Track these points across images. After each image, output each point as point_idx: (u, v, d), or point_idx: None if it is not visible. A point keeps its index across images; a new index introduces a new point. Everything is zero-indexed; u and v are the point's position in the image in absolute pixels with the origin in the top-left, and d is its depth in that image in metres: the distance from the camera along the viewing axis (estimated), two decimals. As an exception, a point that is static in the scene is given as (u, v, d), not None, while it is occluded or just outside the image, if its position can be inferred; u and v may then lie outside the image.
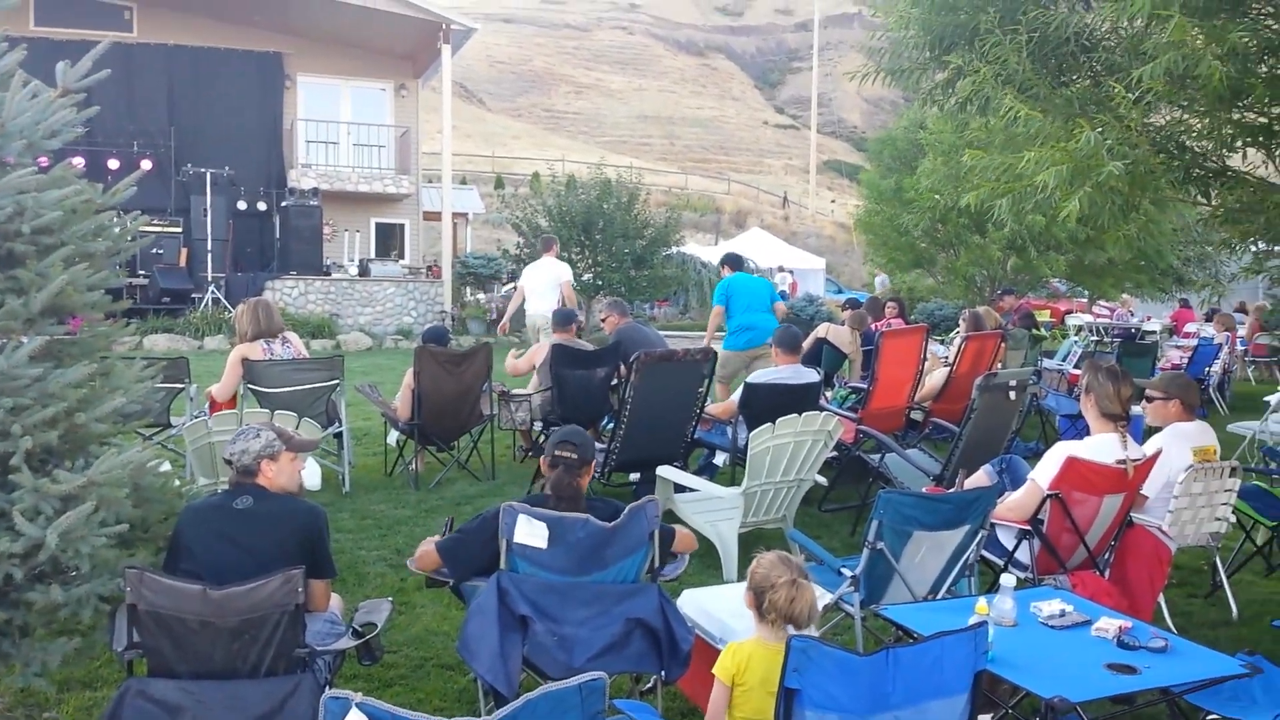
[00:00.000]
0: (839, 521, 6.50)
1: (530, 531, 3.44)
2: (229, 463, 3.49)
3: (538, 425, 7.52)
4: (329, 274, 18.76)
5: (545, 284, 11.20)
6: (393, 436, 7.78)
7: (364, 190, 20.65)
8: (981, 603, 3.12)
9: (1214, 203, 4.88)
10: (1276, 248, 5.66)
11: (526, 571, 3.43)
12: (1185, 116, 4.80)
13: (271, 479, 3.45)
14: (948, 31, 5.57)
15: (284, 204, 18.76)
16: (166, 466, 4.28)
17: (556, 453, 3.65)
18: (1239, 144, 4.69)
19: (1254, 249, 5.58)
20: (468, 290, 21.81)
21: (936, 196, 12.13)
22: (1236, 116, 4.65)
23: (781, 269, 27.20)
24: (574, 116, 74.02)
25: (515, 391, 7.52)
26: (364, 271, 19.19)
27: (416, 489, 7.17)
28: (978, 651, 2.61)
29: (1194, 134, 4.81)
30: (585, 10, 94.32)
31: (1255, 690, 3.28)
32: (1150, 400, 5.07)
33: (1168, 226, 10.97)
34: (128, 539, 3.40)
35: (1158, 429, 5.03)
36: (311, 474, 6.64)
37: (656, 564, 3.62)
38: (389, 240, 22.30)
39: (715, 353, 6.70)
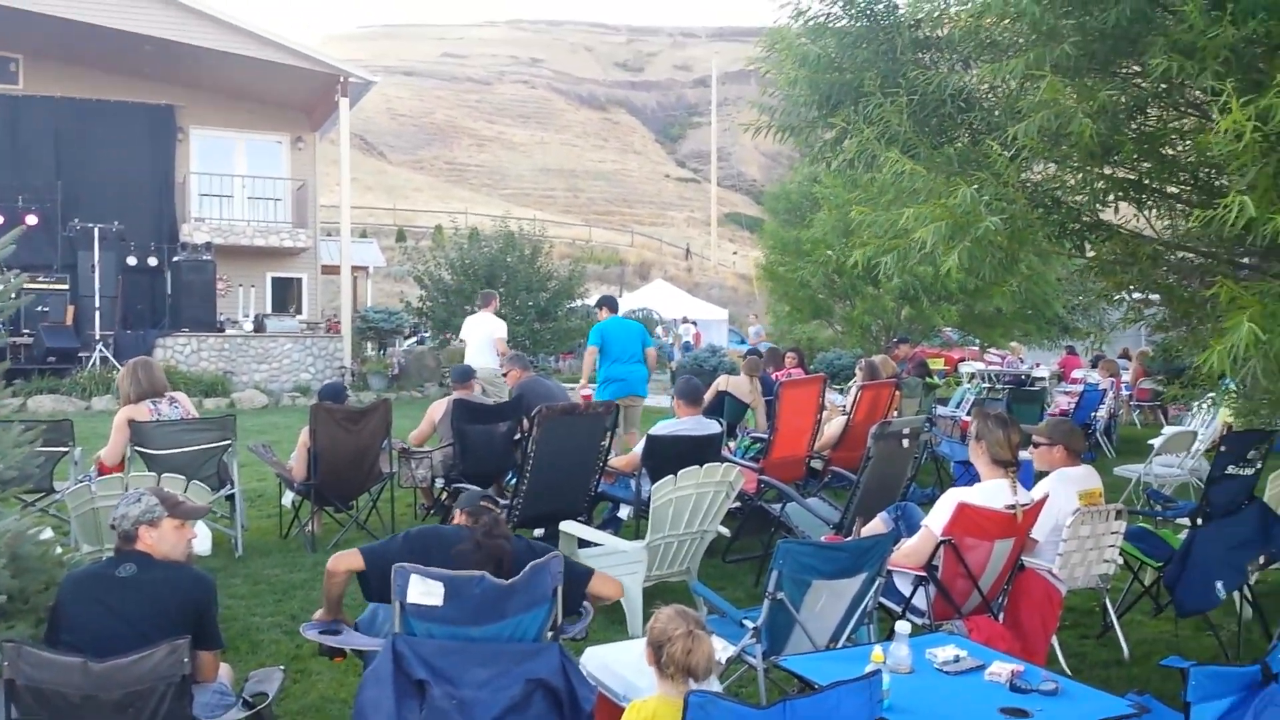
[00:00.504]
0: (743, 572, 6.53)
1: (425, 591, 3.37)
2: (114, 528, 3.36)
3: (439, 482, 7.41)
4: (223, 330, 18.28)
5: (481, 339, 11.27)
6: (288, 498, 7.59)
7: (259, 244, 20.28)
8: (877, 650, 3.16)
9: (1089, 255, 5.10)
10: (1152, 296, 5.92)
11: (423, 631, 3.36)
12: (1060, 172, 5.03)
13: (153, 546, 3.33)
14: (834, 90, 5.74)
15: (176, 259, 18.27)
16: (48, 534, 4.10)
17: (482, 502, 3.71)
18: (1111, 198, 4.93)
19: (1129, 298, 5.83)
20: (369, 345, 21.50)
21: (829, 252, 12.47)
22: (1108, 172, 4.89)
23: (685, 320, 27.49)
24: (477, 169, 74.06)
25: (416, 448, 7.41)
26: (259, 327, 18.75)
27: (313, 551, 6.98)
28: (873, 700, 2.64)
29: (1068, 189, 5.03)
30: (486, 64, 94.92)
31: (1145, 729, 3.38)
32: (1036, 446, 5.24)
33: (1053, 277, 11.38)
34: (5, 610, 3.25)
35: (1045, 473, 5.18)
36: (202, 539, 6.39)
37: (559, 621, 3.59)
38: (286, 295, 21.90)
39: (618, 406, 6.72)
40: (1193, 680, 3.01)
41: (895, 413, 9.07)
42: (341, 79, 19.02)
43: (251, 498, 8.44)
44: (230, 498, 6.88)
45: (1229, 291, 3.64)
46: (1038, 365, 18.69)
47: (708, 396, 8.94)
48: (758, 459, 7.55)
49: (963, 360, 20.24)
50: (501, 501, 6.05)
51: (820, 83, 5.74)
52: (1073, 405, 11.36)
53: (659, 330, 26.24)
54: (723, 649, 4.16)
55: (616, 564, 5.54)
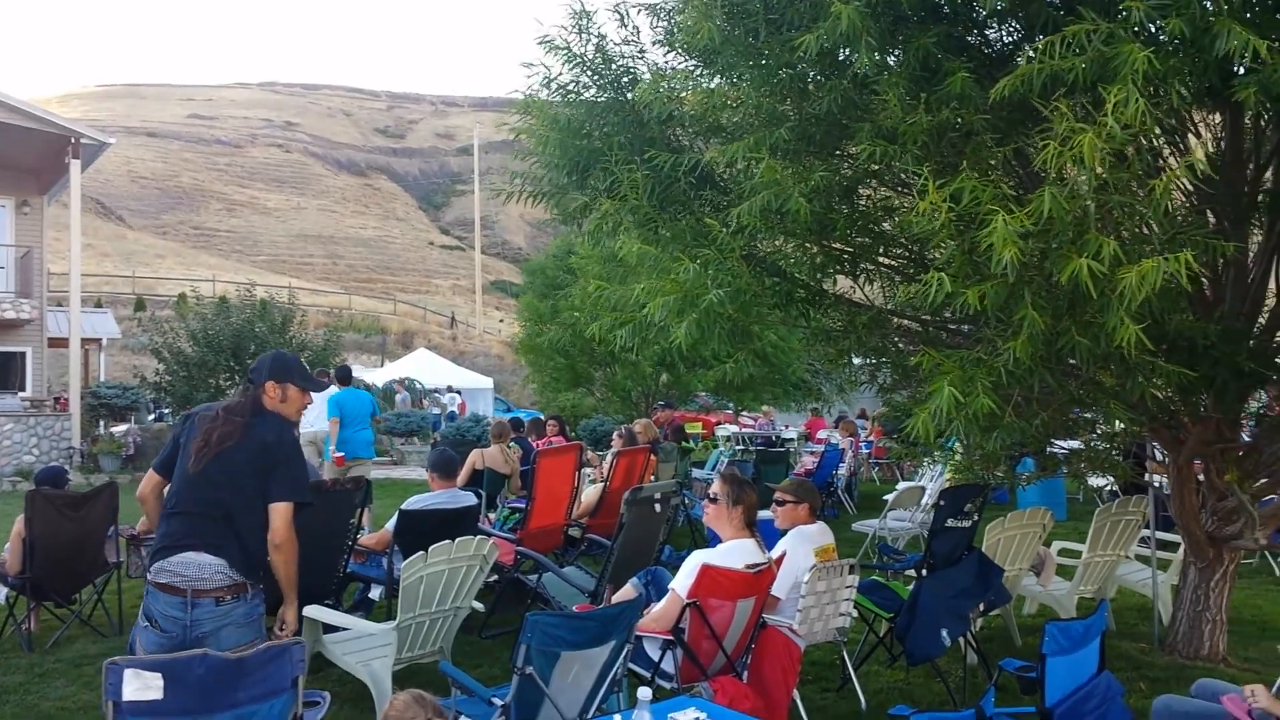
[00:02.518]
0: (499, 647, 6.43)
1: (141, 686, 3.10)
2: None
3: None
4: (-68, 410, 16.51)
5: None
6: (1, 593, 6.86)
7: (-23, 316, 18.51)
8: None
9: (812, 324, 5.44)
10: (872, 360, 6.36)
11: (143, 731, 3.08)
12: (783, 245, 5.35)
13: None
14: (583, 157, 5.88)
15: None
16: None
17: None
18: (829, 270, 5.29)
19: (852, 364, 6.25)
20: (102, 423, 19.92)
21: (576, 314, 12.73)
22: (825, 246, 5.25)
23: (450, 389, 27.10)
24: (226, 235, 70.85)
25: (147, 535, 6.88)
26: (-26, 406, 17.05)
27: (30, 651, 6.34)
28: (610, 772, 2.63)
29: (790, 261, 5.36)
30: (238, 126, 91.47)
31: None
32: (781, 504, 5.47)
33: (795, 343, 12.01)
34: None
35: (785, 531, 5.41)
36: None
37: (300, 713, 3.39)
38: (8, 370, 19.99)
39: (367, 481, 6.51)
40: (912, 726, 3.21)
41: (652, 477, 9.27)
42: (72, 140, 17.82)
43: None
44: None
45: (931, 359, 3.96)
46: (787, 427, 19.65)
47: (463, 475, 8.89)
48: (516, 529, 7.50)
49: (719, 424, 20.99)
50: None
51: (570, 148, 5.86)
52: (816, 464, 11.97)
53: (424, 400, 25.75)
54: (472, 729, 4.10)
55: (364, 648, 5.33)
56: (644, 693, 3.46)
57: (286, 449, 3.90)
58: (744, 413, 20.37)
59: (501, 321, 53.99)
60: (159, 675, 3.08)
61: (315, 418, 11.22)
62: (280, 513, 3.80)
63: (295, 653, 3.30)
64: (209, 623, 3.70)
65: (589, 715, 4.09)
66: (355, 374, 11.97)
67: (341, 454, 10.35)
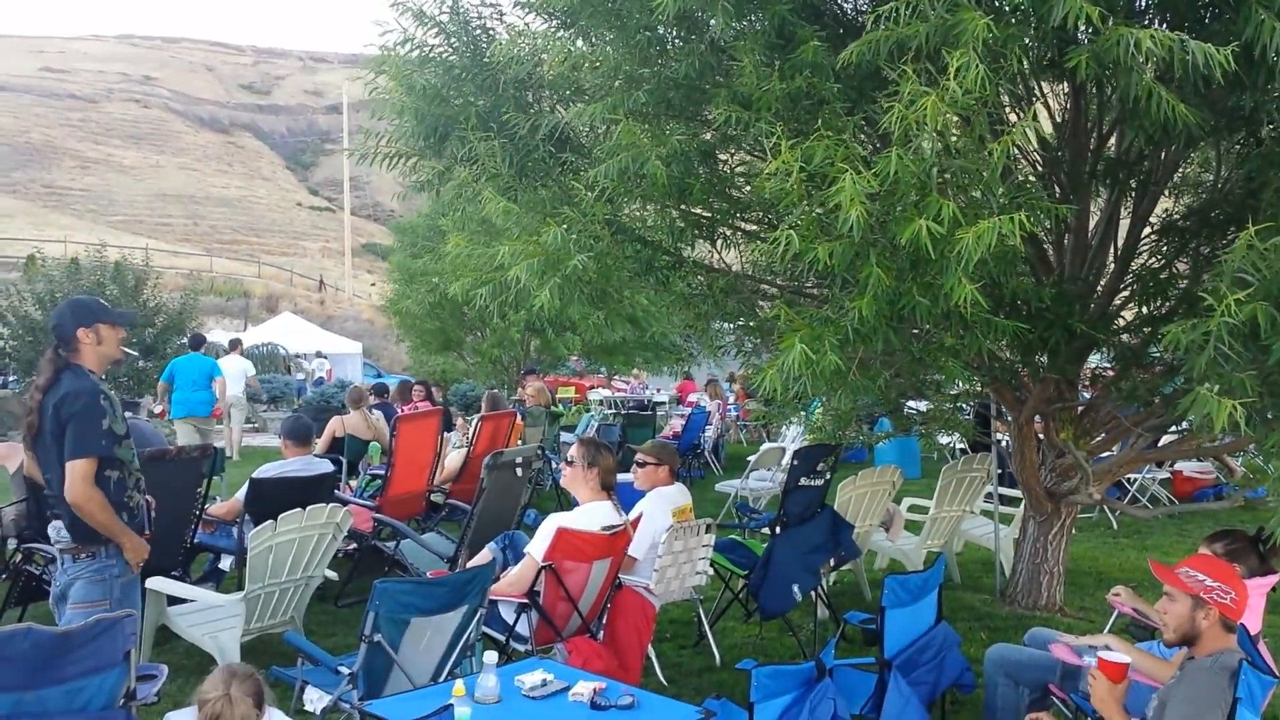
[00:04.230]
0: (356, 615, 6.28)
1: (-37, 659, 2.93)
2: None
3: (12, 543, 6.55)
4: None
5: (235, 374, 13.92)
6: None
7: None
8: (458, 684, 3.15)
9: (672, 289, 5.46)
10: (729, 324, 6.43)
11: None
12: (641, 210, 5.34)
13: None
14: (440, 123, 5.74)
15: None
16: None
17: None
18: (688, 235, 5.30)
19: (713, 327, 6.31)
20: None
21: (434, 280, 12.52)
22: (684, 210, 5.26)
23: (320, 354, 26.37)
24: (80, 194, 67.16)
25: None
26: None
27: None
28: (445, 736, 2.61)
29: (649, 227, 5.36)
30: (92, 80, 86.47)
31: (721, 732, 3.61)
32: (642, 465, 5.51)
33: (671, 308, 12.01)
34: None
35: (645, 493, 5.45)
36: None
37: (133, 687, 3.25)
38: None
39: (216, 449, 6.29)
40: (755, 681, 3.26)
41: (519, 442, 9.22)
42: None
43: None
44: None
45: (785, 316, 4.01)
46: (659, 390, 19.80)
47: (323, 443, 8.71)
48: (376, 496, 7.36)
49: (593, 388, 21.02)
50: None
51: (426, 113, 5.72)
52: (684, 427, 12.10)
53: (288, 366, 24.99)
54: (319, 698, 4.01)
55: (211, 619, 5.17)
56: (489, 656, 3.45)
57: (75, 405, 3.81)
58: (617, 377, 20.45)
59: (373, 285, 52.71)
60: (-21, 650, 2.92)
61: (232, 385, 13.50)
62: (71, 470, 3.76)
63: (126, 626, 3.18)
64: (63, 578, 3.93)
65: (440, 680, 4.05)
66: (214, 339, 13.81)
67: (164, 408, 12.16)
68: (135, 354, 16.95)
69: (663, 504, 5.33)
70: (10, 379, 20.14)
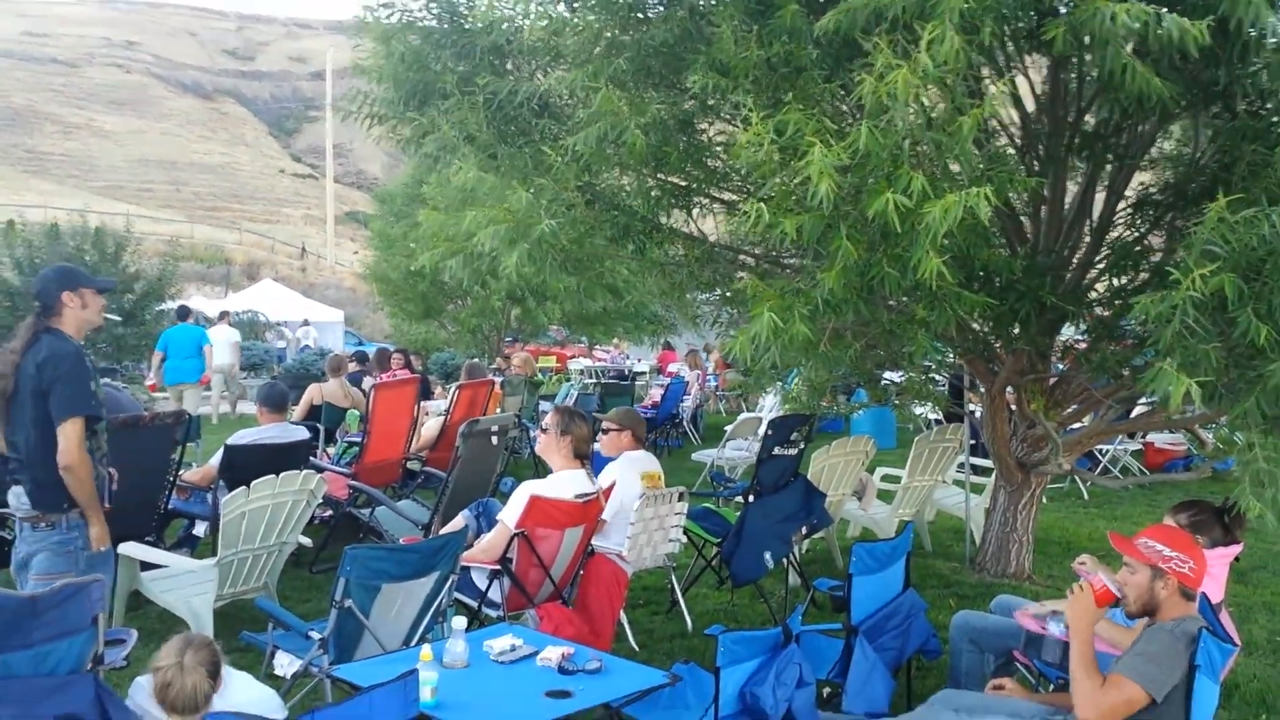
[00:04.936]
0: (330, 581, 6.29)
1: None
2: None
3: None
4: None
5: (222, 343, 14.92)
6: None
7: None
8: (425, 649, 3.17)
9: (647, 256, 5.46)
10: (703, 294, 6.44)
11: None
12: (618, 178, 5.33)
13: None
14: (418, 88, 5.71)
15: None
16: None
17: None
18: (665, 204, 5.30)
19: (686, 297, 6.32)
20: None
21: (413, 245, 12.52)
22: (661, 179, 5.25)
23: (306, 322, 26.26)
24: (61, 159, 66.40)
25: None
26: None
27: None
28: (408, 700, 2.63)
29: (626, 193, 5.35)
30: (73, 45, 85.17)
31: (688, 695, 3.65)
32: (606, 432, 5.54)
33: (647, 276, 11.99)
34: None
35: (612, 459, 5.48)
36: None
37: (100, 651, 3.26)
38: None
39: (189, 416, 6.27)
40: (721, 646, 3.30)
41: (497, 410, 9.22)
42: None
43: None
44: None
45: (754, 286, 4.02)
46: (640, 360, 19.81)
47: (300, 410, 8.71)
48: (353, 464, 7.36)
49: (574, 358, 21.01)
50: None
51: (403, 78, 5.69)
52: (662, 396, 12.13)
53: (268, 334, 24.87)
54: (289, 663, 4.04)
55: (184, 584, 5.19)
56: (458, 621, 3.48)
57: (62, 366, 3.82)
58: (597, 347, 20.43)
59: (356, 254, 52.43)
60: (-55, 610, 2.92)
61: (218, 352, 14.41)
62: (65, 432, 3.78)
63: (94, 590, 3.17)
64: (24, 546, 3.94)
65: (412, 645, 4.08)
66: (195, 306, 14.71)
67: (155, 380, 13.45)
68: (117, 319, 16.88)
69: (632, 469, 5.36)
70: (-12, 344, 19.99)
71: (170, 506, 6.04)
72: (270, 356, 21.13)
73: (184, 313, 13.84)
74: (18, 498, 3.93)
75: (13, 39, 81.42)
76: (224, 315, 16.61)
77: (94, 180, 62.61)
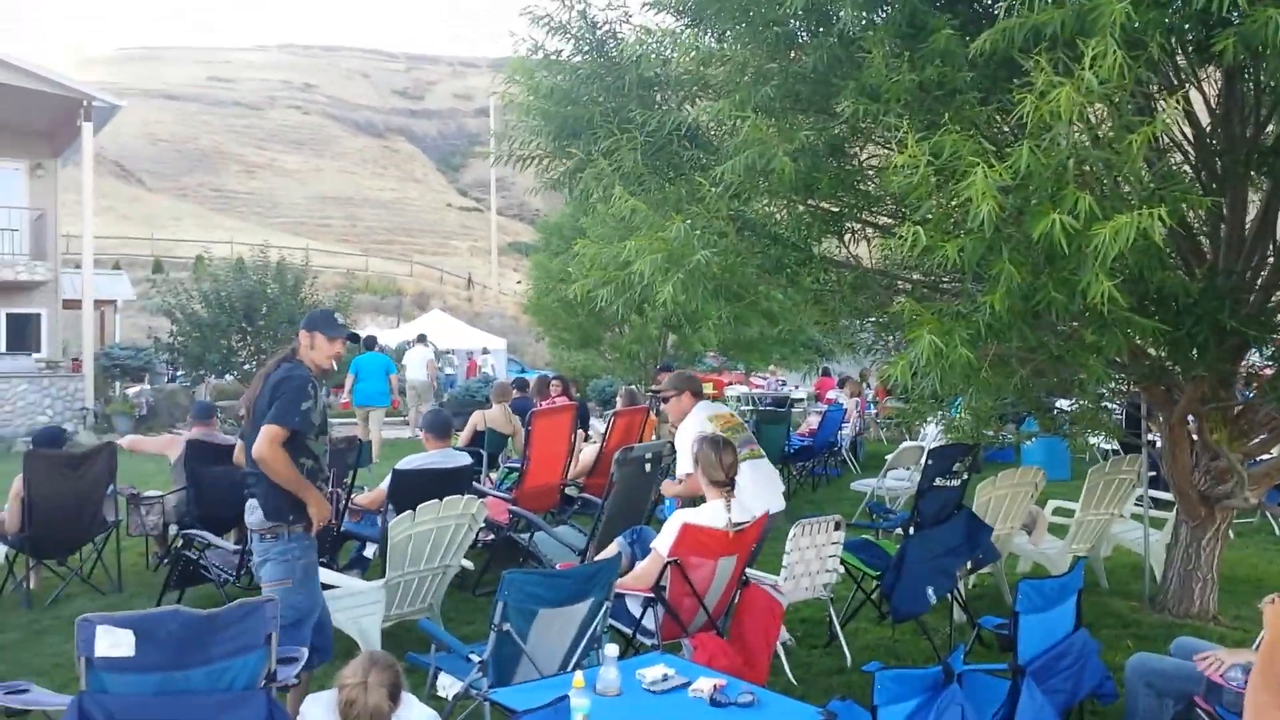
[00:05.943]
0: (491, 604, 6.47)
1: (113, 643, 3.15)
2: None
3: (173, 529, 7.00)
4: (-54, 371, 16.71)
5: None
6: (1, 551, 6.98)
7: (-8, 278, 18.66)
8: (577, 676, 3.20)
9: (800, 285, 5.40)
10: (859, 322, 6.32)
11: (120, 685, 3.12)
12: (770, 206, 5.31)
13: None
14: (567, 123, 5.84)
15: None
16: None
17: None
18: (816, 231, 5.24)
19: (841, 325, 6.22)
20: (116, 385, 20.09)
21: (569, 270, 12.76)
22: (811, 206, 5.19)
23: (486, 351, 27.27)
24: (246, 197, 70.87)
25: (146, 493, 6.98)
26: (-9, 367, 17.27)
27: (29, 608, 6.45)
28: (560, 725, 2.66)
29: (778, 223, 5.32)
30: (256, 89, 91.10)
31: (843, 733, 3.56)
32: (666, 401, 5.85)
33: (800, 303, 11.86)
34: None
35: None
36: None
37: (273, 669, 3.43)
38: (24, 332, 20.18)
39: (361, 441, 6.56)
40: (878, 684, 3.21)
41: (654, 437, 9.27)
42: (85, 103, 17.83)
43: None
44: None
45: (911, 310, 3.93)
46: (797, 387, 19.59)
47: (465, 436, 9.00)
48: (513, 489, 7.54)
49: (730, 384, 20.96)
50: (234, 546, 5.79)
51: (553, 114, 5.82)
52: (819, 424, 11.94)
53: (434, 362, 25.80)
54: (450, 685, 4.15)
55: (354, 605, 5.39)
56: (611, 649, 3.50)
57: (288, 385, 4.26)
58: (754, 373, 20.32)
59: (519, 283, 53.91)
60: (130, 632, 3.12)
61: (413, 369, 17.37)
62: (263, 432, 4.18)
63: (268, 609, 3.34)
64: (258, 555, 4.38)
65: (568, 670, 4.13)
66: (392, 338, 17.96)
67: (348, 399, 14.66)
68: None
69: (700, 413, 5.64)
70: (178, 374, 21.46)
71: (343, 529, 6.31)
72: (441, 385, 21.89)
73: (371, 342, 14.89)
74: (251, 511, 4.33)
75: (200, 85, 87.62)
76: (421, 338, 19.04)
77: (275, 217, 66.52)
